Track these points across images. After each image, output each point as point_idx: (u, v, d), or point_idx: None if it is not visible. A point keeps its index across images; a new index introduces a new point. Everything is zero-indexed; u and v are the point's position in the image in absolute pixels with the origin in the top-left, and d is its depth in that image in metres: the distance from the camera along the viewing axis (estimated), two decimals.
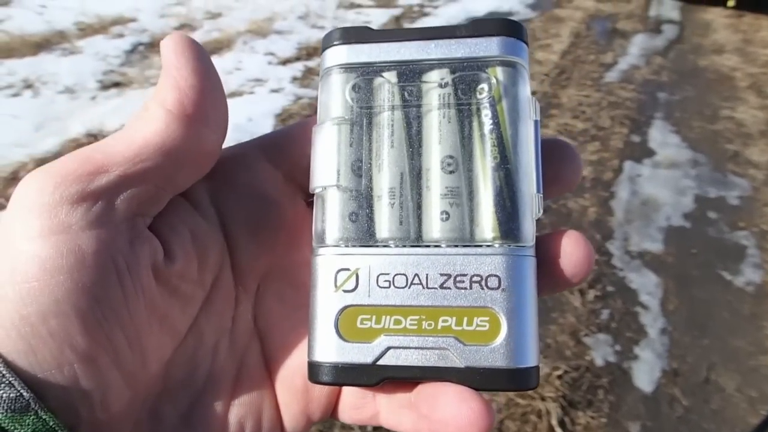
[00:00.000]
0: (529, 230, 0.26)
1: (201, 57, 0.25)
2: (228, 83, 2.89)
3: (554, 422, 1.38)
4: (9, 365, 0.20)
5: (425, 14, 4.32)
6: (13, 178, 2.01)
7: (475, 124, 0.27)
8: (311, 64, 3.23)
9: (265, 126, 2.51)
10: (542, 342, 1.59)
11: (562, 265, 0.26)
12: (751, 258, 1.95)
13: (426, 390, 0.25)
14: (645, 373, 1.53)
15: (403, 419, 0.26)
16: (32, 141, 2.23)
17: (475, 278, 0.25)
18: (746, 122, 2.95)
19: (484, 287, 0.25)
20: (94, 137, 2.29)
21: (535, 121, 0.27)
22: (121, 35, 3.37)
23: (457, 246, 0.26)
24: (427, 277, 0.25)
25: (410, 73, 0.28)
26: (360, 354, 0.25)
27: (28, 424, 0.20)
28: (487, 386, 0.25)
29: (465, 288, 0.25)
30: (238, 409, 0.27)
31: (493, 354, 0.25)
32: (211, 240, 0.27)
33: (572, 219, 2.10)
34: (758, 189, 2.36)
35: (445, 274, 0.25)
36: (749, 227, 2.11)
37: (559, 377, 1.49)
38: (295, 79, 3.01)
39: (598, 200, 2.23)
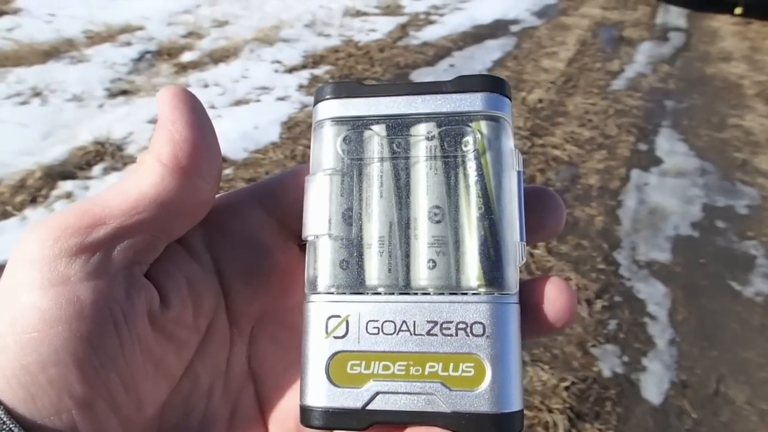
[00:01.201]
0: (512, 278, 0.27)
1: (195, 109, 0.26)
2: (234, 91, 2.90)
3: None
4: (10, 413, 0.21)
5: (431, 22, 4.33)
6: (21, 186, 2.02)
7: (460, 175, 0.28)
8: (318, 72, 3.24)
9: (272, 134, 2.51)
10: (549, 353, 1.58)
11: (546, 311, 0.27)
12: (760, 268, 1.94)
13: None
14: (653, 385, 1.52)
15: None
16: (40, 149, 2.24)
17: (461, 325, 0.26)
18: (754, 130, 2.93)
19: (470, 334, 0.26)
20: (101, 145, 2.30)
21: (518, 172, 0.28)
22: (128, 43, 3.39)
23: (443, 293, 0.27)
24: (414, 324, 0.26)
25: (398, 127, 0.29)
26: (350, 399, 0.26)
27: None
28: (472, 431, 0.25)
29: (451, 335, 0.26)
30: None
31: (479, 399, 0.25)
32: (206, 285, 0.28)
33: (579, 228, 2.09)
34: (767, 198, 2.34)
35: (432, 321, 0.26)
36: (758, 237, 2.09)
37: (566, 389, 1.47)
38: (301, 87, 3.02)
39: (605, 209, 2.22)
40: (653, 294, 1.82)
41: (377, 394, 0.26)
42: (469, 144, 0.28)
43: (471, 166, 0.28)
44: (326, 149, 0.29)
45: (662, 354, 1.61)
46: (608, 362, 1.57)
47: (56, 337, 0.22)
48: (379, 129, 0.29)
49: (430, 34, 4.03)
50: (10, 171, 2.09)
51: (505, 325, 0.26)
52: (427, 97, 0.29)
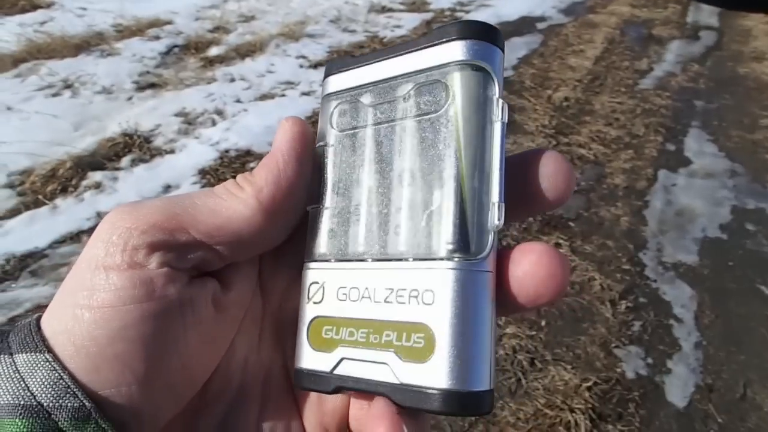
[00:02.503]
0: (479, 245, 0.24)
1: (307, 152, 0.28)
2: (260, 85, 2.92)
3: None
4: (74, 379, 0.22)
5: (456, 18, 4.31)
6: (52, 175, 2.07)
7: (430, 134, 0.26)
8: None
9: None
10: (571, 352, 1.57)
11: (521, 285, 0.24)
12: None
13: (369, 409, 0.26)
14: (678, 388, 1.49)
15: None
16: (71, 140, 2.29)
17: (413, 293, 0.24)
18: None
19: (420, 302, 0.24)
20: (129, 136, 2.34)
21: (502, 124, 0.25)
22: (157, 37, 3.44)
23: (406, 260, 0.25)
24: (374, 291, 0.26)
25: (380, 93, 0.28)
26: (321, 362, 0.26)
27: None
28: (418, 405, 0.24)
29: (404, 303, 0.25)
30: (268, 419, 0.29)
31: (426, 373, 0.23)
32: (251, 264, 0.29)
33: (604, 228, 2.06)
34: None
35: (389, 288, 0.25)
36: None
37: (589, 389, 1.46)
38: None
39: (630, 209, 2.19)
40: (679, 296, 1.79)
41: (342, 359, 0.26)
42: (442, 101, 0.26)
43: (442, 122, 0.26)
44: (322, 124, 0.30)
45: (687, 357, 1.58)
46: (632, 364, 1.55)
47: (127, 314, 0.23)
48: (365, 98, 0.29)
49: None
50: (41, 161, 2.14)
51: (460, 293, 0.23)
52: (407, 56, 0.27)
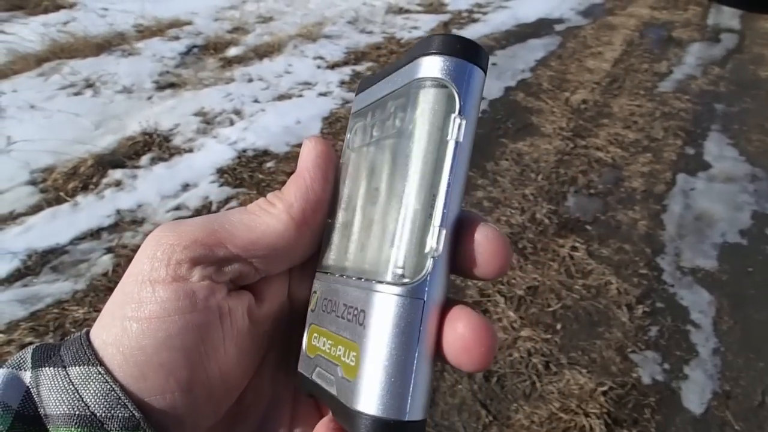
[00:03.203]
0: (417, 268, 0.23)
1: (332, 170, 0.30)
2: (278, 86, 2.94)
3: None
4: (125, 390, 0.24)
5: (474, 20, 4.30)
6: (74, 173, 2.10)
7: (397, 153, 0.26)
8: (359, 68, 3.25)
9: (313, 128, 2.54)
10: (587, 356, 1.56)
11: (450, 348, 0.24)
12: None
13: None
14: (695, 394, 1.48)
15: None
16: (92, 138, 2.33)
17: (356, 311, 0.25)
18: None
19: (356, 322, 0.25)
20: (149, 135, 2.37)
21: (456, 143, 0.24)
22: (177, 38, 3.48)
23: (358, 278, 0.26)
24: (337, 305, 0.27)
25: (378, 111, 0.29)
26: (307, 367, 0.28)
27: None
28: (342, 422, 0.24)
29: (351, 321, 0.25)
30: (299, 427, 0.30)
31: (351, 391, 0.23)
32: (282, 279, 0.31)
33: (621, 232, 2.05)
34: None
35: (345, 304, 0.26)
36: None
37: (604, 393, 1.45)
38: (343, 83, 3.04)
39: (648, 213, 2.17)
40: (697, 301, 1.77)
41: (316, 366, 0.27)
42: (407, 116, 0.26)
43: (404, 141, 0.25)
44: (344, 143, 0.32)
45: (705, 363, 1.56)
46: (648, 369, 1.54)
47: (172, 325, 0.25)
48: (369, 116, 0.30)
49: (473, 32, 4.00)
50: (63, 159, 2.17)
51: (387, 318, 0.23)
52: (396, 73, 0.28)
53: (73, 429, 0.23)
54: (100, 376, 0.24)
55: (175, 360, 0.25)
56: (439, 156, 0.24)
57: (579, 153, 2.55)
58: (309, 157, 0.29)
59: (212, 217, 0.28)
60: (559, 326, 1.65)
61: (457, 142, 0.24)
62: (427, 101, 0.25)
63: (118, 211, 1.94)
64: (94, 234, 1.84)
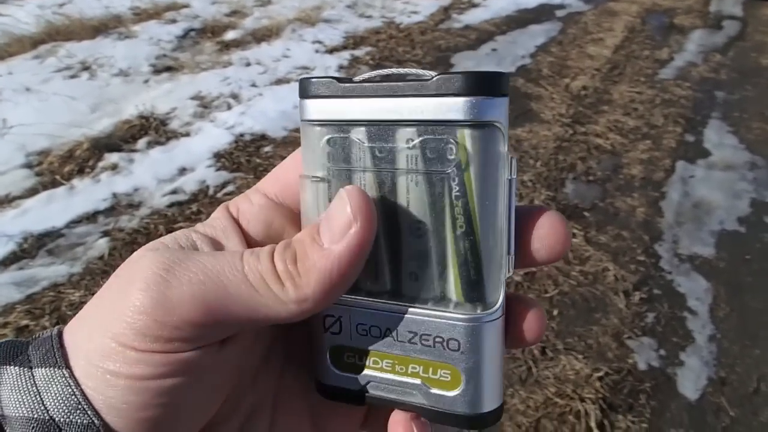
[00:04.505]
0: (492, 295, 0.27)
1: (366, 253, 0.25)
2: (276, 70, 2.92)
3: (593, 424, 1.35)
4: (85, 396, 0.23)
5: (474, 5, 4.26)
6: (70, 156, 2.09)
7: (442, 189, 0.26)
8: (358, 53, 3.23)
9: None
10: (583, 342, 1.56)
11: (525, 332, 0.28)
12: None
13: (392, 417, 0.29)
14: (690, 381, 1.48)
15: None
16: (88, 121, 2.31)
17: (438, 339, 0.28)
18: None
19: (446, 348, 0.28)
20: (145, 119, 2.36)
21: (509, 180, 0.26)
22: (174, 21, 3.45)
23: (423, 307, 0.28)
24: (397, 332, 0.28)
25: (380, 133, 0.27)
26: (350, 382, 0.30)
27: None
28: (447, 423, 0.29)
29: (430, 346, 0.28)
30: (281, 424, 0.30)
31: (454, 401, 0.28)
32: None
33: (619, 219, 2.04)
34: None
35: (413, 332, 0.28)
36: None
37: (600, 379, 1.45)
38: (341, 67, 3.02)
39: (647, 200, 2.16)
40: (694, 289, 1.77)
41: (369, 381, 0.29)
42: (452, 157, 0.26)
43: (453, 180, 0.26)
44: (313, 154, 0.29)
45: (701, 350, 1.57)
46: (644, 355, 1.54)
47: (162, 384, 0.24)
48: (362, 135, 0.28)
49: (473, 17, 3.97)
50: (59, 142, 2.16)
51: (479, 342, 0.27)
52: (410, 100, 0.26)
53: None
54: (63, 379, 0.23)
55: (159, 416, 0.24)
56: (499, 193, 0.26)
57: (578, 140, 2.54)
58: (346, 239, 0.24)
59: (206, 287, 0.24)
60: (556, 312, 1.65)
61: (513, 179, 0.26)
62: (479, 142, 0.26)
63: (114, 195, 1.93)
64: (90, 217, 1.83)
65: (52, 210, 1.85)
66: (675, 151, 2.51)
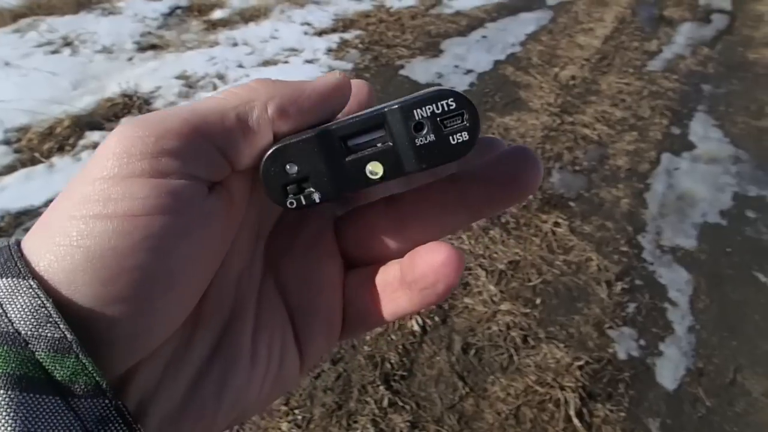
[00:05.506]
0: None
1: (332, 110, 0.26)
2: (263, 51, 2.88)
3: (572, 412, 1.36)
4: (58, 308, 0.20)
5: None
6: (50, 134, 2.04)
7: None
8: (347, 36, 3.19)
9: None
10: (565, 331, 1.57)
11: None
12: None
13: (407, 258, 0.26)
14: (669, 371, 1.50)
15: (401, 302, 0.27)
16: (69, 98, 2.26)
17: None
18: None
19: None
20: (129, 97, 2.31)
21: None
22: None
23: None
24: None
25: None
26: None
27: (68, 366, 0.20)
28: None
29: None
30: (263, 334, 0.27)
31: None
32: (248, 175, 0.27)
33: (604, 209, 2.05)
34: None
35: None
36: None
37: (580, 368, 1.47)
38: (330, 50, 2.98)
39: (632, 191, 2.17)
40: (675, 280, 1.79)
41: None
42: None
43: None
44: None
45: (680, 340, 1.59)
46: (624, 345, 1.56)
47: (152, 223, 0.21)
48: None
49: (464, 3, 3.94)
50: (39, 119, 2.11)
51: None
52: None
53: None
54: (30, 290, 0.20)
55: (149, 264, 0.21)
56: None
57: (566, 129, 2.54)
58: (326, 81, 0.25)
59: (179, 107, 0.24)
60: (538, 301, 1.66)
61: None
62: None
63: None
64: None
65: (30, 188, 1.81)
66: (661, 143, 2.52)
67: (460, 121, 0.23)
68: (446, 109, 0.23)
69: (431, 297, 0.26)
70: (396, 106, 0.23)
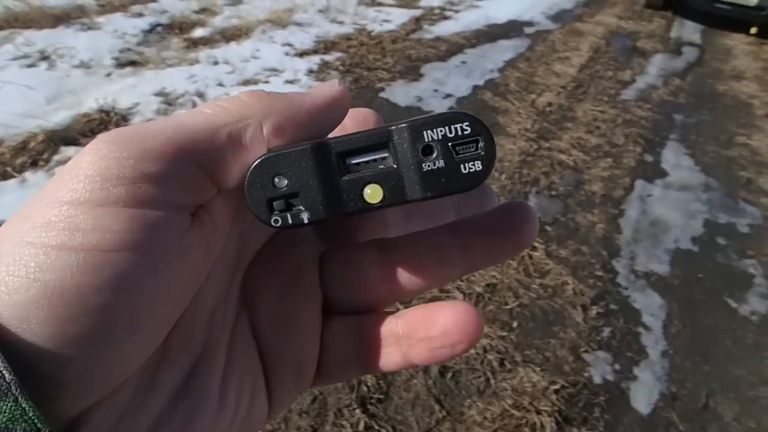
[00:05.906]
0: None
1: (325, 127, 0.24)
2: (244, 71, 2.88)
3: None
4: (3, 339, 0.18)
5: (446, 17, 4.31)
6: (23, 148, 2.00)
7: None
8: (328, 58, 3.22)
9: None
10: (541, 355, 1.58)
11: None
12: (757, 287, 1.93)
13: (419, 314, 0.25)
14: (643, 395, 1.51)
15: (392, 357, 0.26)
16: (44, 113, 2.22)
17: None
18: (761, 151, 2.92)
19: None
20: (106, 113, 2.28)
21: None
22: (140, 14, 3.37)
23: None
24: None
25: None
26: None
27: (5, 411, 0.17)
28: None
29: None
30: (233, 377, 0.25)
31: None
32: (232, 197, 0.25)
33: (579, 234, 2.08)
34: None
35: None
36: (758, 256, 2.09)
37: (556, 392, 1.47)
38: (311, 71, 3.00)
39: (606, 217, 2.21)
40: (649, 305, 1.81)
41: None
42: None
43: None
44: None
45: (654, 365, 1.60)
46: (599, 369, 1.56)
47: (123, 261, 0.19)
48: None
49: (444, 29, 4.01)
50: (12, 132, 2.07)
51: None
52: None
53: None
54: None
55: (114, 304, 0.19)
56: None
57: (542, 155, 2.58)
58: (325, 94, 0.23)
59: (163, 119, 0.21)
60: (515, 324, 1.66)
61: None
62: None
63: None
64: None
65: (2, 203, 1.77)
66: (634, 170, 2.58)
67: (474, 149, 0.20)
68: (460, 133, 0.20)
69: (445, 355, 0.24)
70: (404, 125, 0.21)
